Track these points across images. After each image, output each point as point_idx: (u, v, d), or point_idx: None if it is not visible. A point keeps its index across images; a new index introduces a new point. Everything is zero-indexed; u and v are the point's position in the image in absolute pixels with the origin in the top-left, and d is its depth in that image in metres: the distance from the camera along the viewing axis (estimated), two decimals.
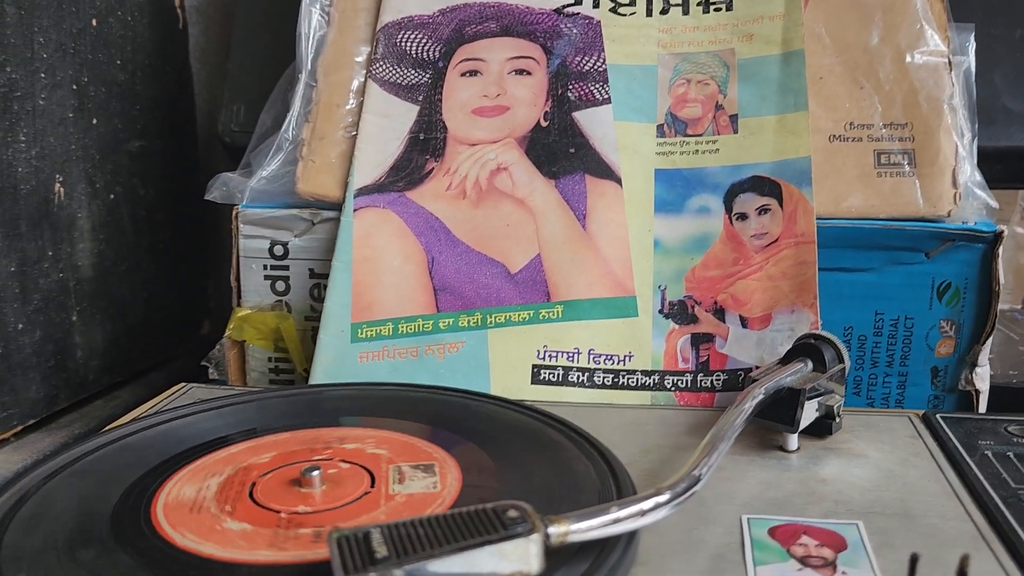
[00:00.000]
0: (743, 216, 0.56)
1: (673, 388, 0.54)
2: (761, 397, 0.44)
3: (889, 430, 0.49)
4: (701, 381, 0.54)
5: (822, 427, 0.47)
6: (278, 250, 0.59)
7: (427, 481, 0.40)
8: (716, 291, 0.55)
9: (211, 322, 0.85)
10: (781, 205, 0.55)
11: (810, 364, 0.48)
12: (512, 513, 0.32)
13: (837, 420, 0.47)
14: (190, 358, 0.80)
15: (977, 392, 0.56)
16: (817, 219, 0.55)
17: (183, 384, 0.55)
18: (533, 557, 0.31)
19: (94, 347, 0.68)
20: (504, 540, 0.31)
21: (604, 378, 0.54)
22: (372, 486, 0.39)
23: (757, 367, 0.52)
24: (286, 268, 0.59)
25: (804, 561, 0.36)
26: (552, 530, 0.32)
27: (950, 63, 0.58)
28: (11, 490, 0.39)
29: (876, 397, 0.57)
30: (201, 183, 0.64)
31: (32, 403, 0.62)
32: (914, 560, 0.30)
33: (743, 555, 0.36)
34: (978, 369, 0.56)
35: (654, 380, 0.54)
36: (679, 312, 0.55)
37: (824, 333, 0.49)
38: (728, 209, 0.56)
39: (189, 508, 0.37)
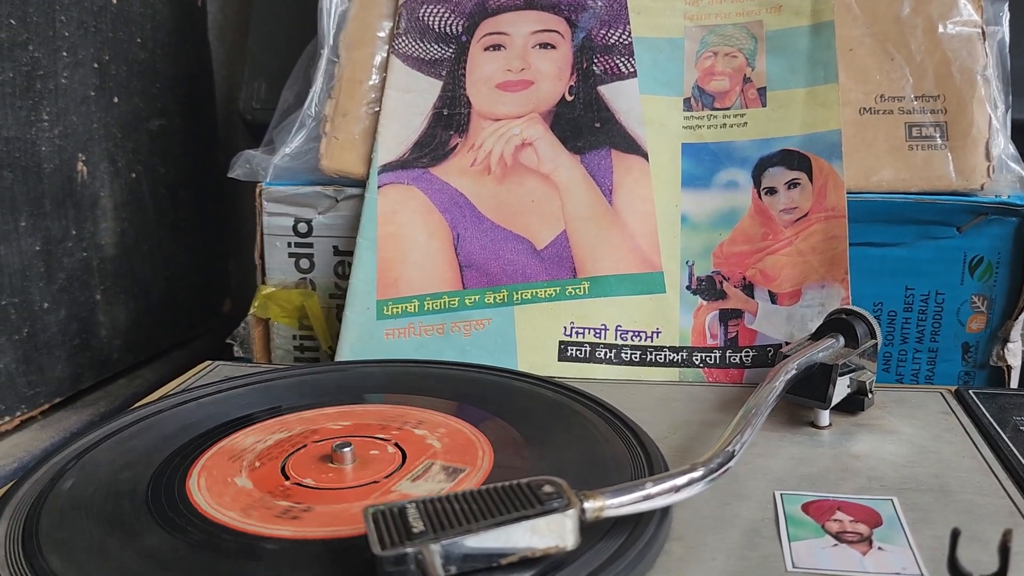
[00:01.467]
0: (772, 190, 0.55)
1: (701, 364, 0.53)
2: (794, 372, 0.44)
3: (921, 406, 0.48)
4: (730, 357, 0.53)
5: (854, 403, 0.47)
6: (302, 227, 0.59)
7: (458, 450, 0.40)
8: (745, 266, 0.54)
9: (233, 301, 0.85)
10: (811, 179, 0.54)
11: (842, 340, 0.48)
12: (547, 488, 0.32)
13: (869, 396, 0.47)
14: (212, 337, 0.80)
15: (1009, 368, 0.55)
16: (847, 193, 0.54)
17: (209, 362, 0.55)
18: (569, 532, 0.31)
19: (117, 326, 0.68)
20: (540, 515, 0.31)
21: (632, 355, 0.54)
22: (403, 461, 0.39)
23: (787, 343, 0.52)
24: (310, 246, 0.59)
25: (839, 537, 0.36)
26: (588, 505, 0.32)
27: (983, 33, 0.57)
28: (42, 469, 0.40)
29: (906, 373, 0.57)
30: (222, 161, 0.64)
31: (58, 382, 0.62)
32: (955, 535, 0.29)
33: (777, 531, 0.36)
34: (1010, 345, 0.55)
35: (682, 356, 0.53)
36: (707, 288, 0.54)
37: (856, 308, 0.49)
38: (757, 183, 0.55)
39: (226, 491, 0.37)
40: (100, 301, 0.67)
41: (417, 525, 0.30)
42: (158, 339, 0.74)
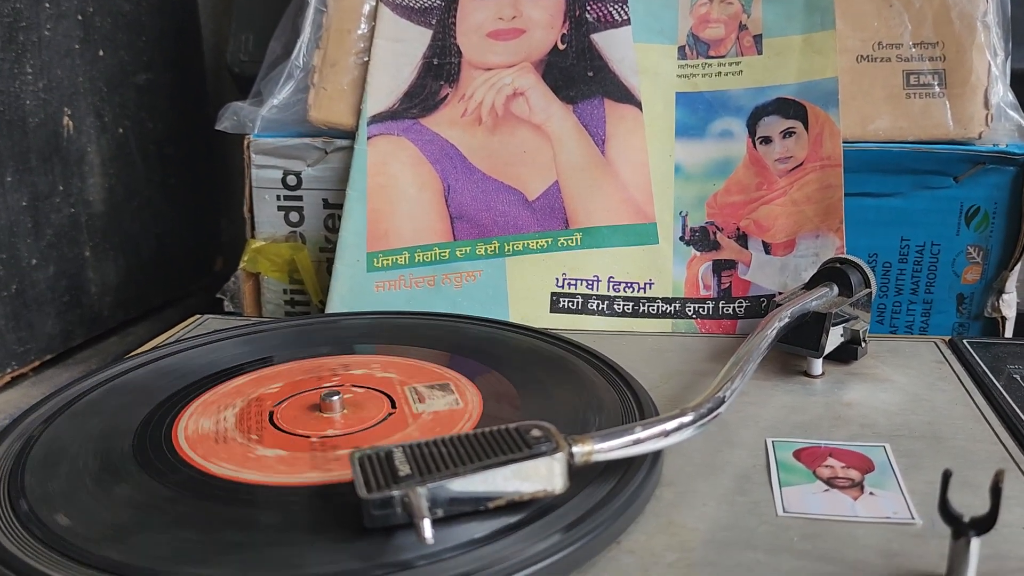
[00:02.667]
0: (767, 140, 0.54)
1: (694, 315, 0.53)
2: (787, 321, 0.43)
3: (915, 355, 0.48)
4: (723, 308, 0.53)
5: (847, 352, 0.46)
6: (291, 180, 0.58)
7: (448, 399, 0.40)
8: (739, 217, 0.53)
9: (225, 259, 0.84)
10: (806, 128, 0.54)
11: (836, 289, 0.47)
12: (536, 432, 0.31)
13: (862, 345, 0.46)
14: (204, 295, 0.80)
15: (1003, 319, 0.55)
16: (843, 142, 0.53)
17: (198, 315, 0.55)
18: (557, 476, 0.31)
19: (108, 283, 0.68)
20: (528, 459, 0.30)
21: (624, 306, 0.53)
22: (393, 407, 0.39)
23: (780, 293, 0.51)
24: (299, 199, 0.58)
25: (830, 482, 0.35)
26: (576, 449, 0.31)
27: None
28: (28, 419, 0.39)
29: (900, 325, 0.57)
30: (210, 116, 0.63)
31: (48, 338, 0.62)
32: (947, 477, 0.29)
33: (768, 477, 0.36)
34: (1005, 296, 0.55)
35: (675, 307, 0.53)
36: (701, 239, 0.54)
37: (851, 257, 0.48)
38: (752, 133, 0.54)
39: (213, 439, 0.37)
40: (89, 258, 0.66)
41: (403, 468, 0.30)
42: (149, 297, 0.73)
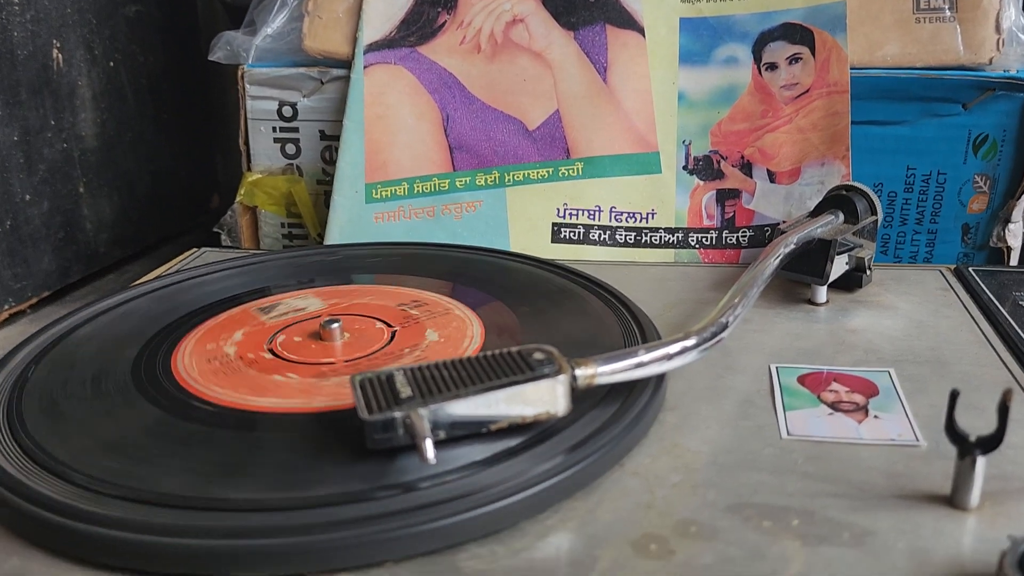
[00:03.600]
0: (773, 66, 0.53)
1: (697, 245, 0.52)
2: (792, 247, 0.43)
3: (920, 283, 0.47)
4: (726, 238, 0.52)
5: (852, 280, 0.46)
6: (287, 111, 0.57)
7: (449, 327, 0.39)
8: (743, 145, 0.52)
9: (220, 196, 0.83)
10: (813, 54, 0.52)
11: (841, 216, 0.47)
12: (538, 355, 0.31)
13: (867, 273, 0.46)
14: (201, 232, 0.79)
15: (1009, 249, 0.54)
16: (851, 68, 0.52)
17: (195, 248, 0.54)
18: (560, 398, 0.30)
19: (103, 220, 0.67)
20: (531, 381, 0.30)
21: (626, 236, 0.53)
22: (394, 336, 0.38)
23: (784, 222, 0.51)
24: (295, 130, 0.57)
25: (835, 406, 0.35)
26: (579, 372, 0.31)
27: None
28: (26, 350, 0.39)
29: (904, 256, 0.56)
30: (203, 49, 0.61)
31: (45, 275, 0.61)
32: (954, 397, 0.29)
33: (772, 401, 0.36)
34: (1011, 226, 0.54)
35: (678, 237, 0.52)
36: (704, 168, 0.53)
37: (857, 184, 0.48)
38: (757, 59, 0.53)
39: (213, 367, 0.36)
40: (84, 194, 0.65)
41: (405, 391, 0.29)
42: (145, 234, 0.73)
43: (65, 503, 0.28)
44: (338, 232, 0.53)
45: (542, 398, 0.30)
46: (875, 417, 0.34)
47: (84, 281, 0.66)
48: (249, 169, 0.58)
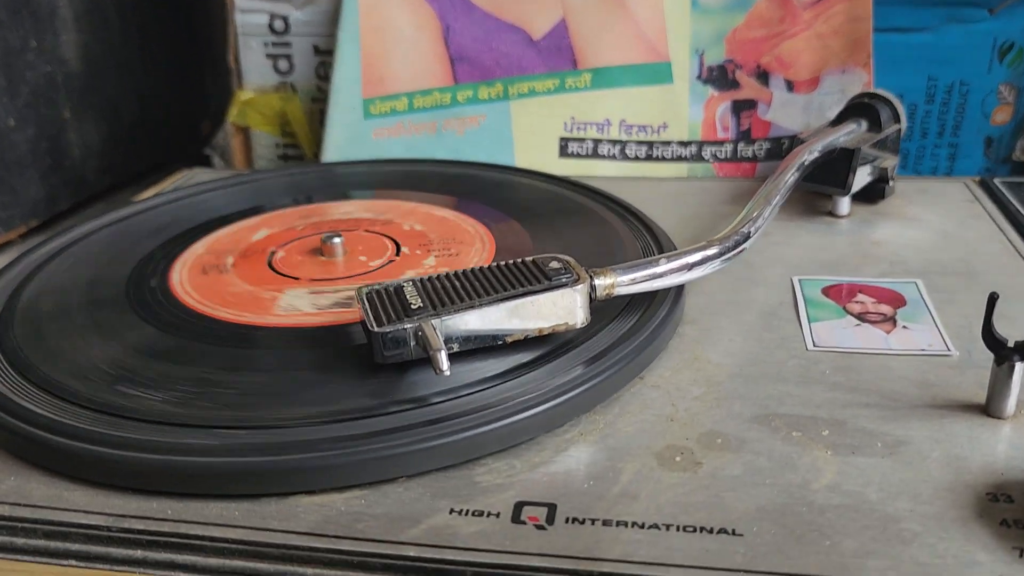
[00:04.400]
0: None
1: (712, 159, 0.50)
2: (815, 156, 0.41)
3: (944, 195, 0.46)
4: (742, 151, 0.50)
5: (874, 192, 0.44)
6: (278, 25, 0.54)
7: (457, 242, 0.37)
8: (760, 53, 0.50)
9: (212, 122, 0.81)
10: None
11: (864, 124, 0.44)
12: (555, 264, 0.29)
13: (890, 184, 0.44)
14: (191, 160, 0.76)
15: None
16: None
17: (186, 169, 0.52)
18: (578, 309, 0.29)
19: (90, 146, 0.65)
20: (548, 291, 0.28)
21: (637, 150, 0.50)
22: (398, 251, 0.37)
23: (803, 133, 0.49)
24: (288, 45, 0.54)
25: (862, 317, 0.34)
26: (598, 282, 0.30)
27: None
28: (15, 270, 0.37)
29: (924, 170, 0.54)
30: None
31: (33, 203, 0.59)
32: (992, 300, 0.27)
33: (796, 313, 0.34)
34: None
35: (691, 151, 0.50)
36: (719, 77, 0.50)
37: (880, 91, 0.45)
38: None
39: (211, 284, 0.35)
40: (69, 119, 0.62)
41: (415, 302, 0.28)
42: (134, 161, 0.70)
43: (60, 422, 0.26)
44: (335, 150, 0.50)
45: (559, 309, 0.28)
46: (904, 328, 0.33)
47: (73, 210, 0.64)
48: (240, 87, 0.55)
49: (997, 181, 0.47)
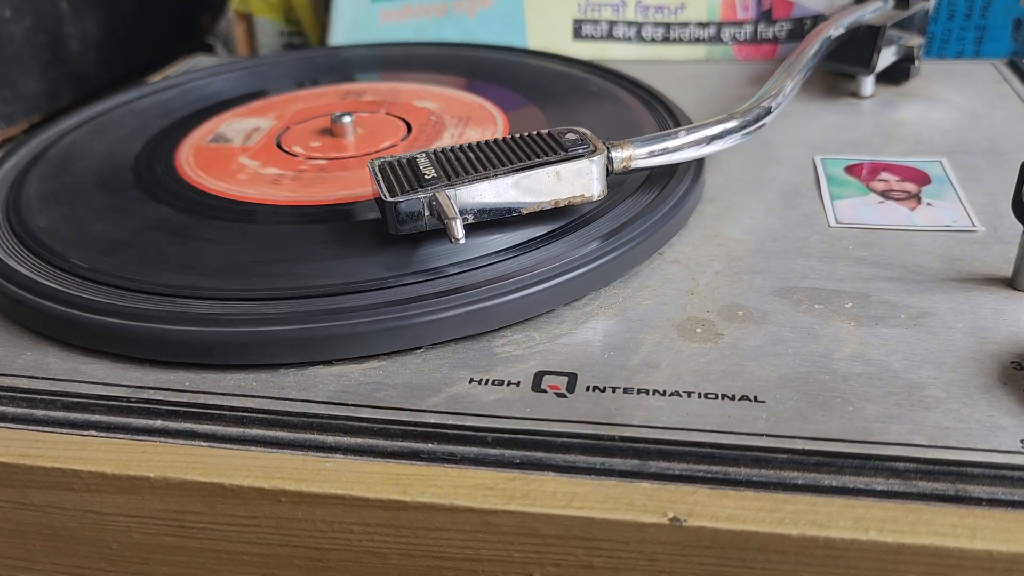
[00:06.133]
0: None
1: (731, 41, 0.48)
2: (841, 32, 0.39)
3: (971, 76, 0.44)
4: (762, 32, 0.48)
5: (898, 72, 0.42)
6: None
7: (470, 121, 0.36)
8: None
9: (212, 16, 0.78)
10: None
11: (891, 1, 0.43)
12: (571, 136, 0.29)
13: (916, 64, 0.42)
14: (193, 52, 0.75)
15: None
16: None
17: (191, 54, 0.51)
18: (595, 180, 0.28)
19: (89, 39, 0.63)
20: (564, 161, 0.28)
21: (654, 32, 0.49)
22: (410, 130, 0.36)
23: (824, 13, 0.47)
24: None
25: (885, 195, 0.33)
26: (615, 154, 0.29)
27: None
28: (22, 151, 0.36)
29: (949, 55, 0.52)
30: None
31: (34, 98, 0.58)
32: None
33: (818, 191, 0.33)
34: None
35: (710, 32, 0.48)
36: None
37: None
38: None
39: (219, 164, 0.34)
40: (67, 11, 0.61)
41: (429, 173, 0.27)
42: (134, 55, 0.69)
43: (73, 295, 0.26)
44: (342, 33, 0.49)
45: (577, 179, 0.28)
46: (928, 205, 0.32)
47: (74, 106, 0.63)
48: None
49: None
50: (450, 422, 0.23)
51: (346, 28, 0.49)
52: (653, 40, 0.49)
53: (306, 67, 0.45)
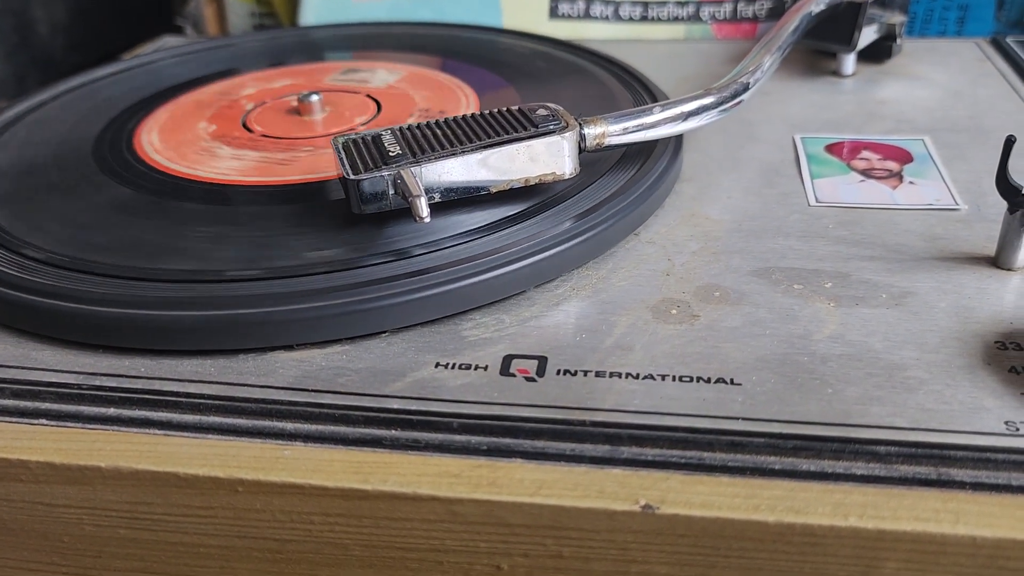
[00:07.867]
0: None
1: (710, 20, 0.47)
2: (822, 8, 0.38)
3: (954, 54, 0.43)
4: (742, 11, 0.47)
5: (880, 51, 0.42)
6: None
7: (441, 100, 0.35)
8: None
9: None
10: None
11: None
12: (542, 112, 0.28)
13: (898, 42, 0.42)
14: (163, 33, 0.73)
15: None
16: None
17: (158, 36, 0.49)
18: (567, 158, 0.27)
19: (57, 22, 0.61)
20: (534, 137, 0.27)
21: (631, 11, 0.48)
22: (380, 109, 0.35)
23: None
24: None
25: (867, 173, 0.32)
26: (588, 131, 0.28)
27: None
28: None
29: (931, 35, 0.51)
30: None
31: (0, 83, 0.57)
32: (1009, 143, 0.26)
33: (798, 170, 0.33)
34: None
35: (688, 11, 0.47)
36: None
37: None
38: None
39: (182, 144, 0.33)
40: None
41: (394, 150, 0.26)
42: (104, 40, 0.67)
43: (24, 279, 0.25)
44: (312, 13, 0.47)
45: (547, 156, 0.27)
46: (910, 183, 0.31)
47: (41, 90, 0.61)
48: None
49: (1010, 40, 0.44)
50: (414, 408, 0.22)
51: (317, 8, 0.47)
52: (631, 19, 0.48)
53: (276, 48, 0.43)
